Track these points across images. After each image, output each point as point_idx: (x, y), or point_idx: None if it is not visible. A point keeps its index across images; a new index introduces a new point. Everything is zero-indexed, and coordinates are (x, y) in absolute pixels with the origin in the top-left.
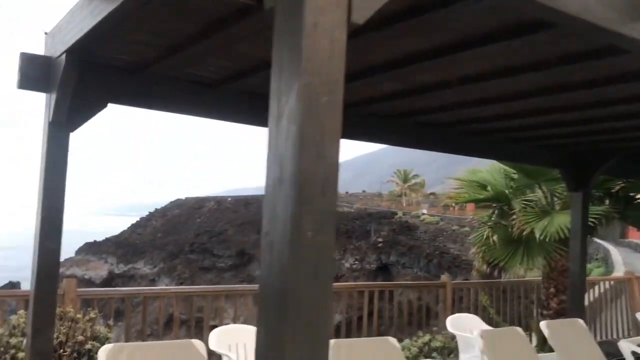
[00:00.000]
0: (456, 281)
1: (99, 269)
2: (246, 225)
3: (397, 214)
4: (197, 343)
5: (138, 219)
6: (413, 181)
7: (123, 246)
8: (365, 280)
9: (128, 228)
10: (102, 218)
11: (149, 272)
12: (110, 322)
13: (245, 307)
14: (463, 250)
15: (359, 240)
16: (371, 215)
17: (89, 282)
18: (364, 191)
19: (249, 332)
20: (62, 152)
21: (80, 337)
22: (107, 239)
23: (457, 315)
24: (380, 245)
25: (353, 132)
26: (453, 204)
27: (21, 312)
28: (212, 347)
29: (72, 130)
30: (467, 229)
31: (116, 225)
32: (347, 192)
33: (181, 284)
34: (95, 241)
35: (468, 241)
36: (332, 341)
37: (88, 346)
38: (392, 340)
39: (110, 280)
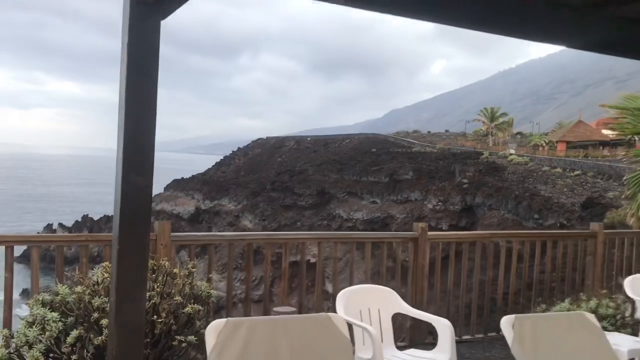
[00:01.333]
0: (610, 230)
1: (187, 205)
2: (326, 165)
3: (482, 154)
4: (335, 318)
5: (222, 157)
6: (500, 120)
7: (208, 183)
8: (449, 222)
9: (213, 166)
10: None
11: (233, 209)
12: (212, 275)
13: (327, 244)
14: (555, 193)
15: (442, 181)
16: (455, 156)
17: (178, 217)
18: (446, 131)
19: (378, 292)
20: (151, 47)
21: (178, 298)
22: (193, 177)
23: (637, 275)
24: (465, 186)
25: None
26: (612, 135)
27: (106, 263)
28: (340, 313)
29: (163, 17)
30: (558, 170)
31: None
32: (429, 132)
33: (264, 221)
34: (182, 178)
35: (560, 183)
36: (512, 317)
37: (188, 309)
38: (589, 316)
39: (197, 215)
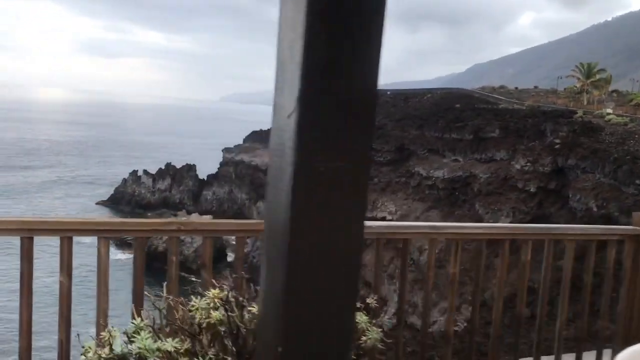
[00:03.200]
0: None
1: (264, 157)
2: (406, 120)
3: (576, 112)
4: None
5: None
6: (597, 76)
7: None
8: (537, 184)
9: None
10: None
11: None
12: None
13: (405, 201)
14: None
15: (532, 140)
16: (545, 114)
17: (256, 169)
18: (535, 87)
19: None
20: None
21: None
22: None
23: None
24: (557, 146)
25: None
26: None
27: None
28: None
29: None
30: None
31: None
32: (516, 88)
33: None
34: (261, 130)
35: None
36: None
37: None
38: None
39: None
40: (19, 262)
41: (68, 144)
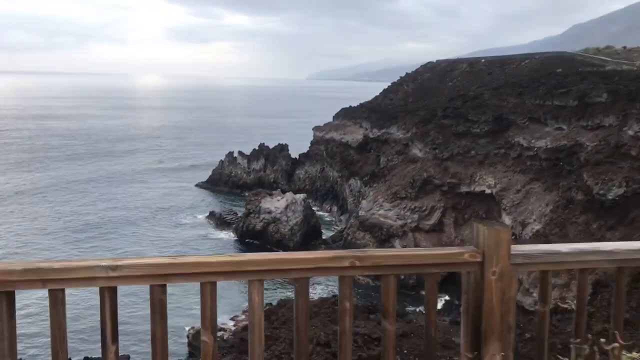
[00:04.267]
0: None
1: (355, 134)
2: (504, 89)
3: None
4: None
5: (389, 84)
6: None
7: (376, 111)
8: None
9: (380, 93)
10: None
11: (402, 137)
12: None
13: (505, 174)
14: None
15: None
16: None
17: (347, 146)
18: None
19: None
20: None
21: None
22: (361, 105)
23: None
24: None
25: None
26: None
27: None
28: None
29: None
30: None
31: (368, 90)
32: (624, 47)
33: (434, 149)
34: (350, 106)
35: None
36: None
37: None
38: None
39: (365, 144)
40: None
41: (167, 128)
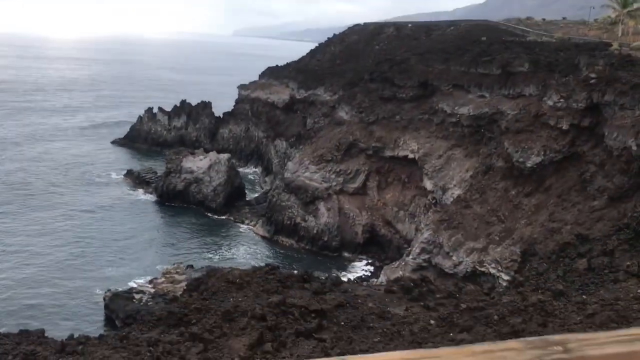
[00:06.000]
0: None
1: (281, 94)
2: (430, 54)
3: (611, 45)
4: None
5: (316, 45)
6: (635, 6)
7: (303, 72)
8: (570, 121)
9: (307, 54)
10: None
11: (329, 99)
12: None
13: (428, 139)
14: None
15: (564, 75)
16: (578, 46)
17: (273, 106)
18: (564, 18)
19: None
20: None
21: None
22: (287, 64)
23: None
24: (592, 81)
25: None
26: None
27: None
28: None
29: None
30: None
31: (294, 49)
32: (543, 19)
33: (360, 113)
34: (277, 66)
35: None
36: None
37: None
38: None
39: (291, 104)
40: None
41: (82, 81)
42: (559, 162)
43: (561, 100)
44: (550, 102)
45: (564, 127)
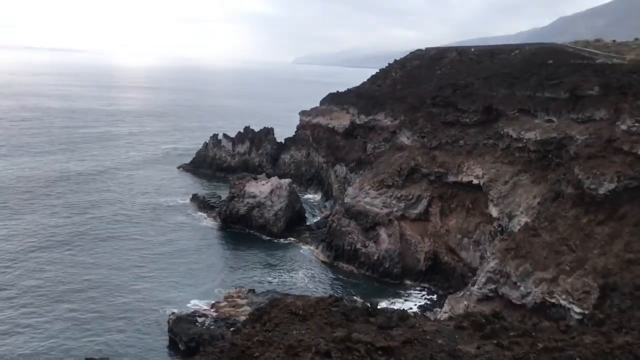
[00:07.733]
0: None
1: (341, 119)
2: (494, 79)
3: None
4: None
5: (377, 70)
6: None
7: (364, 97)
8: None
9: (368, 79)
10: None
11: (390, 124)
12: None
13: (493, 165)
14: None
15: (638, 98)
16: None
17: (333, 131)
18: (636, 39)
19: None
20: None
21: None
22: (348, 90)
23: None
24: None
25: None
26: None
27: None
28: None
29: None
30: None
31: (355, 76)
32: (613, 41)
33: (422, 138)
34: (337, 92)
35: None
36: None
37: None
38: None
39: (352, 130)
40: None
41: (151, 110)
42: (634, 189)
43: (636, 124)
44: (623, 127)
45: (639, 153)
